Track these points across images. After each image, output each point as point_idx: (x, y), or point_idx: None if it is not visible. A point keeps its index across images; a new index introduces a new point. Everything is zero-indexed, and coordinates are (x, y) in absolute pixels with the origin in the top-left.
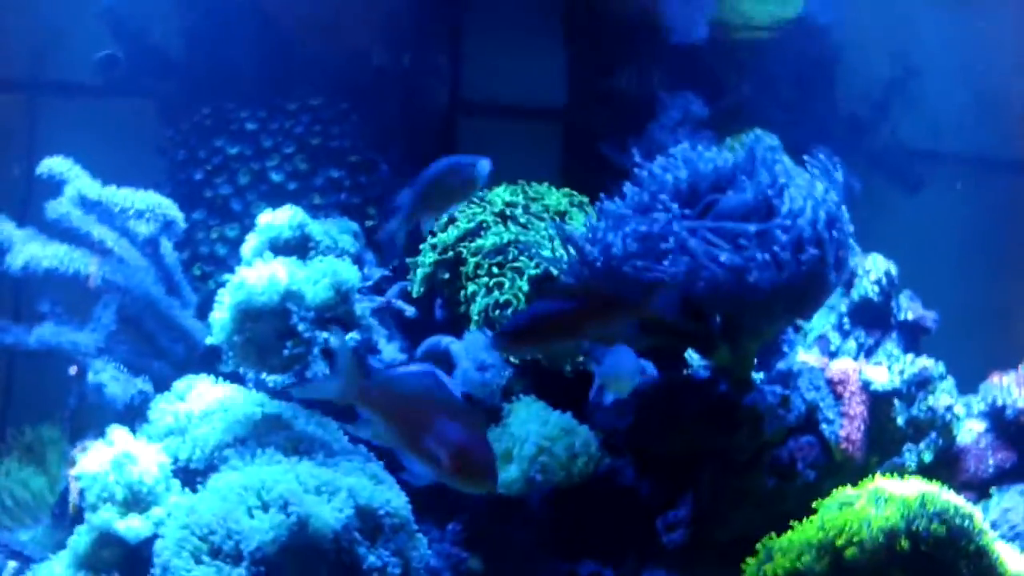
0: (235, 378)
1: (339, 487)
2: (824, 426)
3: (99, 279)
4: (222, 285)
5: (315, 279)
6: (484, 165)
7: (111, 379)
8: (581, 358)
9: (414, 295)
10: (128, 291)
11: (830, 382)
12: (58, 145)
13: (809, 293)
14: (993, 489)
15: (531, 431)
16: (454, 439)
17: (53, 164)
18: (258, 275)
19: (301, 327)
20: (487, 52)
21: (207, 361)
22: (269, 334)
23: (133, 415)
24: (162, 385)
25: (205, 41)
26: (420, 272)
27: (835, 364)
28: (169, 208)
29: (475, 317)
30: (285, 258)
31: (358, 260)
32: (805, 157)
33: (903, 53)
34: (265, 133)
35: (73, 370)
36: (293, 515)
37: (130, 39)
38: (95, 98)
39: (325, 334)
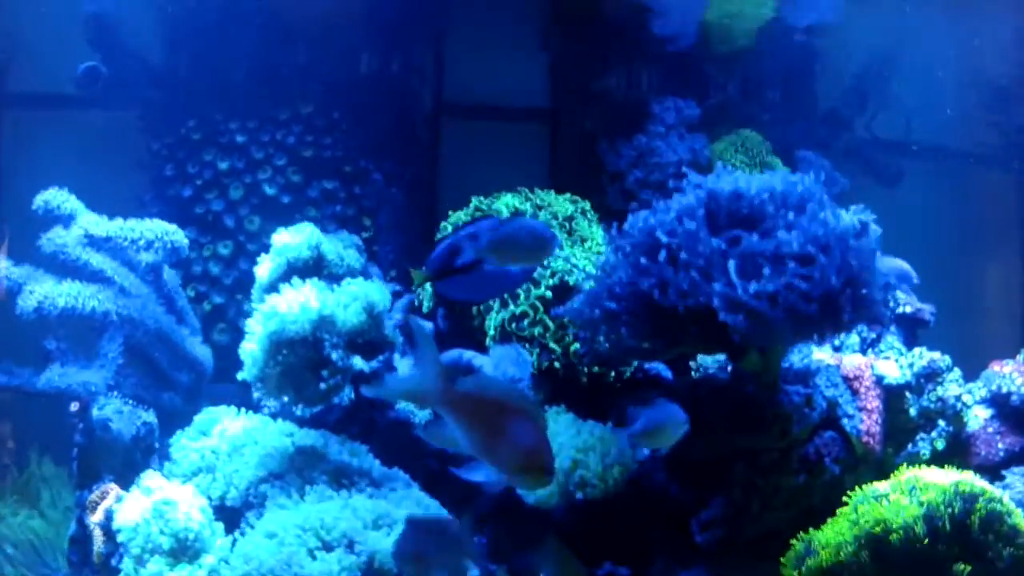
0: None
1: (395, 519)
2: (845, 421)
3: (111, 314)
4: (217, 305)
5: (346, 304)
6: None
7: (115, 413)
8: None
9: (424, 309)
10: (136, 324)
11: (846, 379)
12: (36, 159)
13: (837, 318)
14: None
15: (564, 443)
16: (526, 443)
17: (50, 197)
18: (289, 303)
19: (335, 356)
20: (471, 54)
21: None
22: (303, 364)
23: (140, 448)
24: (170, 415)
25: (189, 50)
26: (427, 288)
27: (848, 360)
28: (175, 235)
29: (491, 331)
30: (313, 282)
31: (364, 274)
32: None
33: (879, 49)
34: (256, 145)
35: (75, 406)
36: (362, 554)
37: (112, 49)
38: (74, 110)
39: (359, 360)
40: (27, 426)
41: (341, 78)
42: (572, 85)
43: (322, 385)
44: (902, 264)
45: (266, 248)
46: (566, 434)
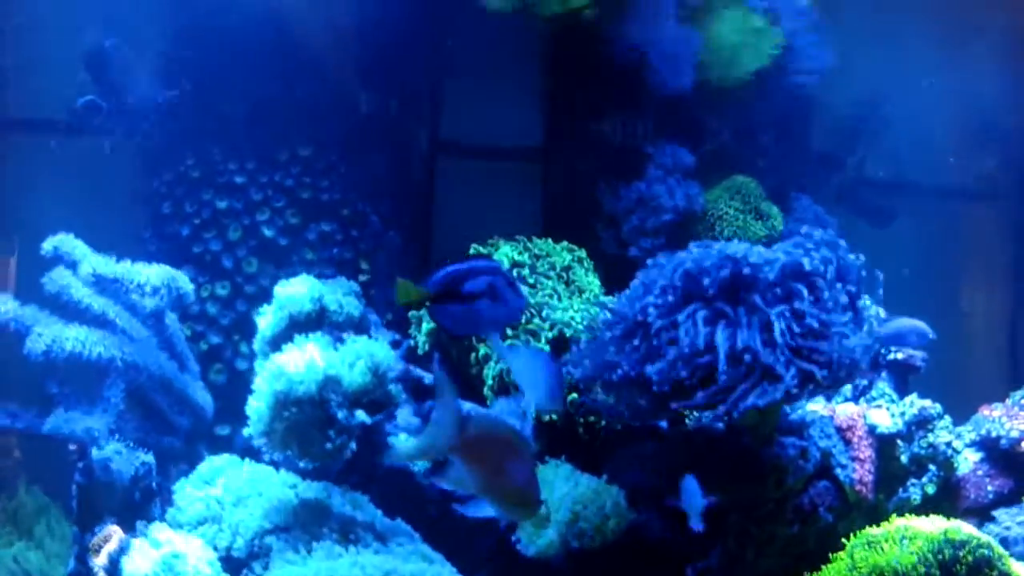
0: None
1: (403, 575)
2: (838, 471)
3: (116, 360)
4: (214, 345)
5: (351, 362)
6: None
7: (115, 453)
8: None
9: (419, 351)
10: (139, 370)
11: (839, 429)
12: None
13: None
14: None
15: (564, 495)
16: (521, 479)
17: (60, 242)
18: (295, 363)
19: (341, 415)
20: (467, 94)
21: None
22: (309, 422)
23: (139, 488)
24: (170, 459)
25: (188, 88)
26: (425, 327)
27: (841, 410)
28: (181, 281)
29: (489, 381)
30: (317, 340)
31: (363, 321)
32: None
33: (868, 92)
34: (255, 186)
35: (74, 445)
36: None
37: (110, 83)
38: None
39: (362, 416)
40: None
41: (339, 120)
42: (567, 128)
43: (328, 444)
44: (918, 324)
45: (264, 290)
46: (565, 486)
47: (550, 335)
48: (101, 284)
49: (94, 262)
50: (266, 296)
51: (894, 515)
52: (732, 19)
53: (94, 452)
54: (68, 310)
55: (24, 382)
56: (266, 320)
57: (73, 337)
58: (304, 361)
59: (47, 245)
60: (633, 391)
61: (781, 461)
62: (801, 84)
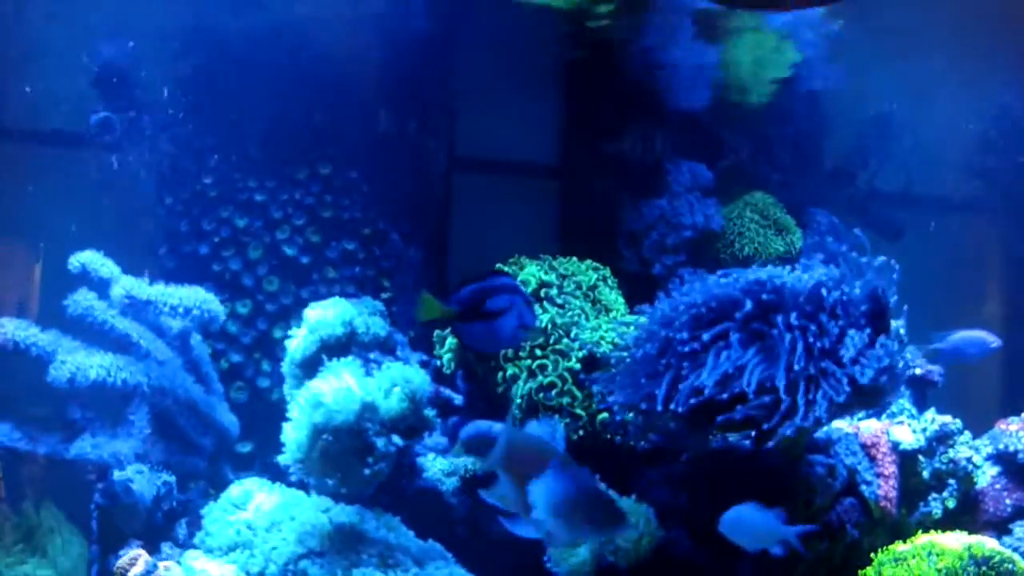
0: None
1: None
2: (864, 487)
3: (143, 386)
4: (235, 364)
5: (386, 388)
6: None
7: (136, 474)
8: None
9: (444, 370)
10: (166, 393)
11: (864, 446)
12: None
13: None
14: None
15: None
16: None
17: (88, 259)
18: (333, 391)
19: (380, 443)
20: (484, 110)
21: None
22: (347, 450)
23: (162, 509)
24: (193, 478)
25: (205, 105)
26: (450, 343)
27: (864, 427)
28: (212, 304)
29: (517, 400)
30: (351, 367)
31: (388, 341)
32: None
33: (881, 107)
34: (275, 204)
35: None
36: None
37: (124, 99)
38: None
39: (399, 441)
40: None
41: (359, 137)
42: (584, 145)
43: (366, 471)
44: (980, 335)
45: (285, 308)
46: None
47: (580, 355)
48: (132, 305)
49: (128, 283)
50: (287, 315)
51: (919, 531)
52: (750, 38)
53: (115, 473)
54: (91, 332)
55: (46, 405)
56: (296, 343)
57: (97, 364)
58: (341, 389)
59: (74, 261)
60: (665, 415)
61: (810, 480)
62: (815, 98)
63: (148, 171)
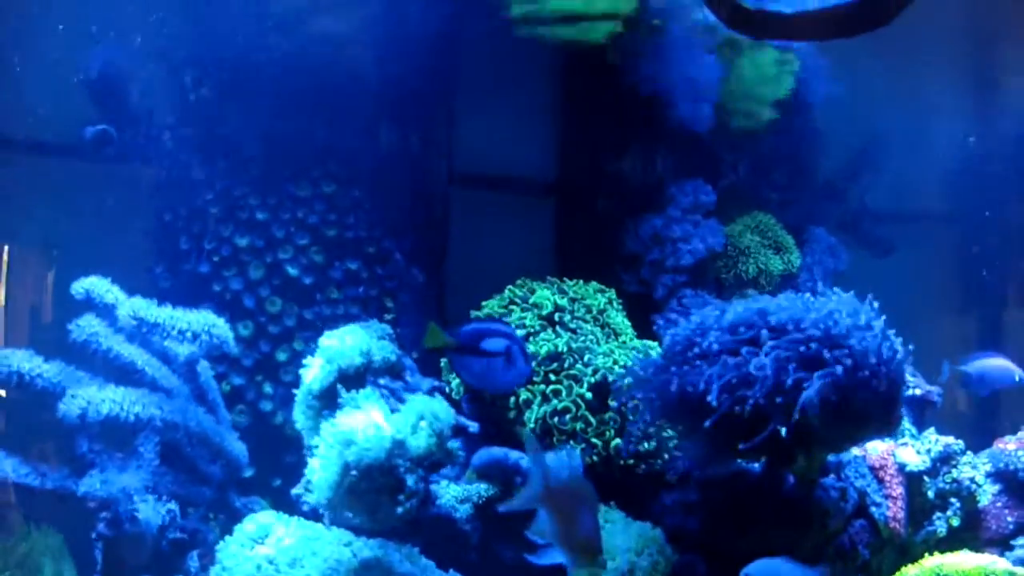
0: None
1: None
2: (873, 509)
3: (155, 420)
4: (236, 387)
5: (413, 424)
6: None
7: (141, 502)
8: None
9: (453, 395)
10: (178, 428)
11: (872, 468)
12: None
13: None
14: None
15: (619, 544)
16: (588, 528)
17: (92, 286)
18: (363, 429)
19: (411, 480)
20: (481, 126)
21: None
22: (379, 488)
23: (167, 539)
24: (201, 508)
25: (204, 120)
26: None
27: (872, 449)
28: (221, 329)
29: (531, 424)
30: (368, 397)
31: (398, 365)
32: None
33: (870, 123)
34: (277, 223)
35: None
36: None
37: (119, 112)
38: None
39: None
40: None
41: (361, 154)
42: (584, 164)
43: (399, 509)
44: (1008, 365)
45: (288, 330)
46: (622, 535)
47: (592, 380)
48: (138, 329)
49: (136, 305)
50: (290, 336)
51: (925, 552)
52: (753, 57)
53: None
54: (96, 359)
55: (52, 437)
56: (313, 374)
57: (109, 399)
58: (371, 426)
59: (78, 288)
60: (694, 435)
61: (825, 504)
62: (813, 115)
63: (145, 186)
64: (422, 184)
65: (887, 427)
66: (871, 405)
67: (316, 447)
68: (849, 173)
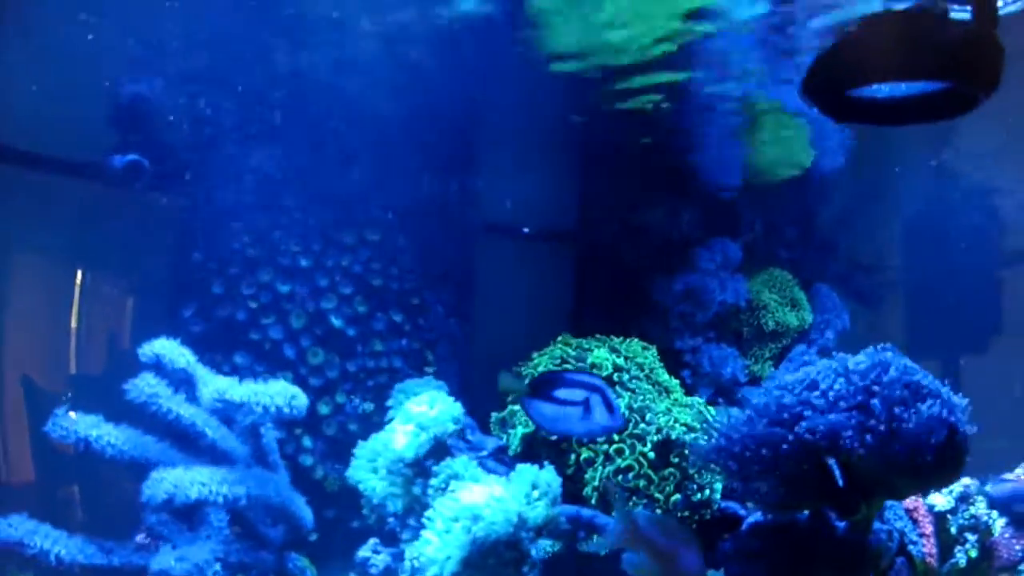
0: None
1: None
2: (911, 547)
3: (241, 499)
4: (276, 440)
5: (526, 492)
6: None
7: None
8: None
9: (511, 452)
10: (253, 500)
11: (907, 510)
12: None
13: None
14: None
15: None
16: (692, 566)
17: (163, 350)
18: (486, 503)
19: (534, 551)
20: (508, 179)
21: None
22: (505, 562)
23: None
24: (262, 572)
25: (241, 158)
26: (521, 431)
27: None
28: (302, 400)
29: (595, 483)
30: (465, 464)
31: (463, 429)
32: None
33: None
34: (321, 271)
35: None
36: None
37: (149, 142)
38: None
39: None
40: None
41: (403, 203)
42: (611, 216)
43: None
44: None
45: (330, 383)
46: None
47: (656, 439)
48: (229, 407)
49: (219, 386)
50: (332, 389)
51: None
52: (778, 137)
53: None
54: (156, 420)
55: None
56: (405, 441)
57: (198, 483)
58: (495, 499)
59: (147, 351)
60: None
61: (877, 545)
62: (824, 177)
63: (175, 223)
64: (459, 234)
65: (956, 477)
66: (950, 455)
67: (432, 520)
68: (840, 228)
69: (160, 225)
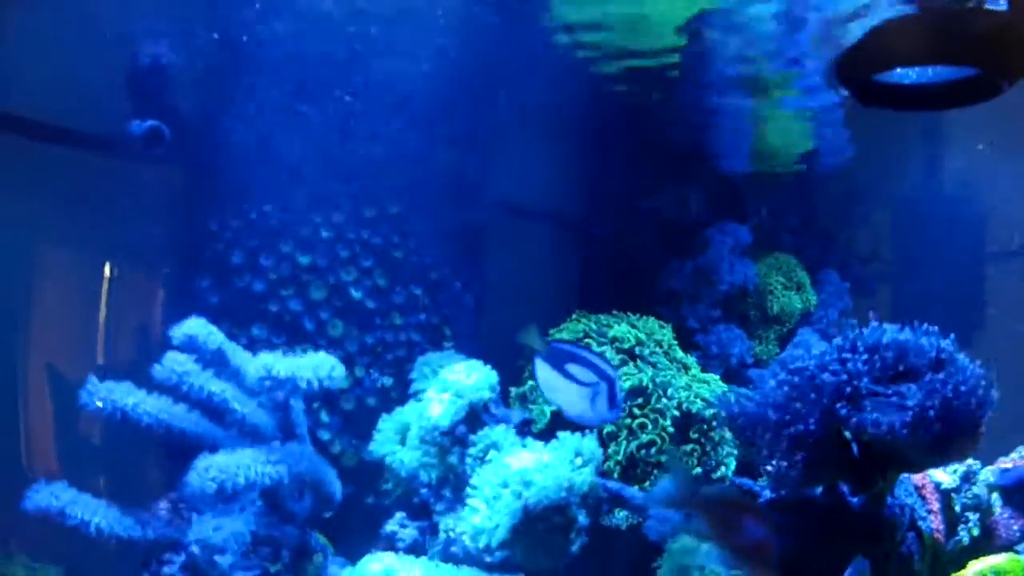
0: None
1: None
2: (920, 523)
3: (283, 478)
4: None
5: (570, 459)
6: None
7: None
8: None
9: (535, 429)
10: (300, 477)
11: (916, 487)
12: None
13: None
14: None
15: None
16: (758, 536)
17: (194, 330)
18: (536, 468)
19: (581, 517)
20: (518, 158)
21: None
22: (555, 527)
23: None
24: (286, 547)
25: (261, 126)
26: (548, 409)
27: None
28: (340, 372)
29: (619, 457)
30: (504, 434)
31: (496, 403)
32: None
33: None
34: (342, 242)
35: None
36: None
37: (167, 109)
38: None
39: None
40: None
41: (423, 176)
42: (618, 200)
43: (572, 548)
44: None
45: (350, 356)
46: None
47: (676, 413)
48: (278, 383)
49: (264, 362)
50: (351, 363)
51: (953, 559)
52: (777, 123)
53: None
54: (185, 399)
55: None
56: (441, 409)
57: (244, 467)
58: (544, 465)
59: (178, 333)
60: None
61: (892, 519)
62: (823, 168)
63: (191, 191)
64: (474, 209)
65: (974, 448)
66: (967, 427)
67: (478, 488)
68: (840, 217)
69: (176, 193)
